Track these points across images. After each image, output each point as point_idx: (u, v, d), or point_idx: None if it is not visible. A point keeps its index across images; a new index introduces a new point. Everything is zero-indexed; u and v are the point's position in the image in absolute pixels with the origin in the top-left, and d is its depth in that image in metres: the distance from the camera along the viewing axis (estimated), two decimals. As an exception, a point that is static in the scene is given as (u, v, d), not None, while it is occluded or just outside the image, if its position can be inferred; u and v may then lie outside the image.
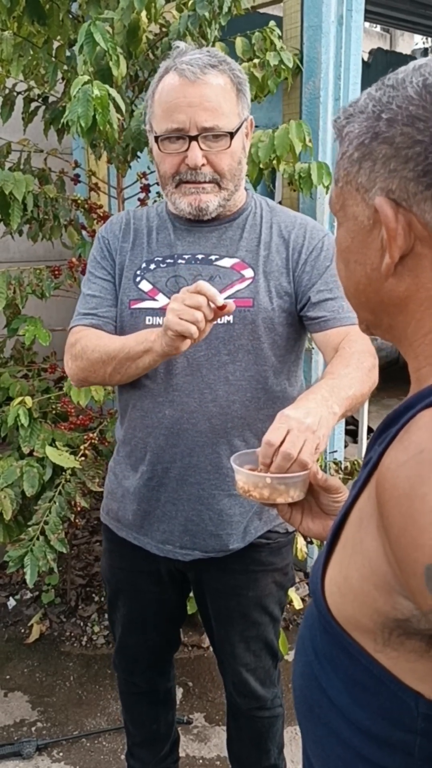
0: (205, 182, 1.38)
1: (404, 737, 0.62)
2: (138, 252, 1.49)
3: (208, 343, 1.40)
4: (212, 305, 1.21)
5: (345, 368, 1.26)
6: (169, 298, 1.39)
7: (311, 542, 2.58)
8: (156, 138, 1.37)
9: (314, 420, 1.07)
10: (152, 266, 1.46)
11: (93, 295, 1.50)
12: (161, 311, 1.41)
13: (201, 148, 1.34)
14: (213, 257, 1.43)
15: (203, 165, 1.36)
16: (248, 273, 1.43)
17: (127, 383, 1.49)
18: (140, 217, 1.54)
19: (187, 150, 1.35)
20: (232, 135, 1.36)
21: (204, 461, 1.44)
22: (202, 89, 1.32)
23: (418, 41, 8.44)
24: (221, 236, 1.46)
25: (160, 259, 1.46)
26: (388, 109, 0.63)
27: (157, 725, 1.84)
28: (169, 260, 1.45)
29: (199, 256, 1.44)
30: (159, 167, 1.42)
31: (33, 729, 2.29)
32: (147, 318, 1.43)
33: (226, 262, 1.44)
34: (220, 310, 1.23)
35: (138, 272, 1.47)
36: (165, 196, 1.46)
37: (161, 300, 1.43)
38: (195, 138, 1.33)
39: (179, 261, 1.45)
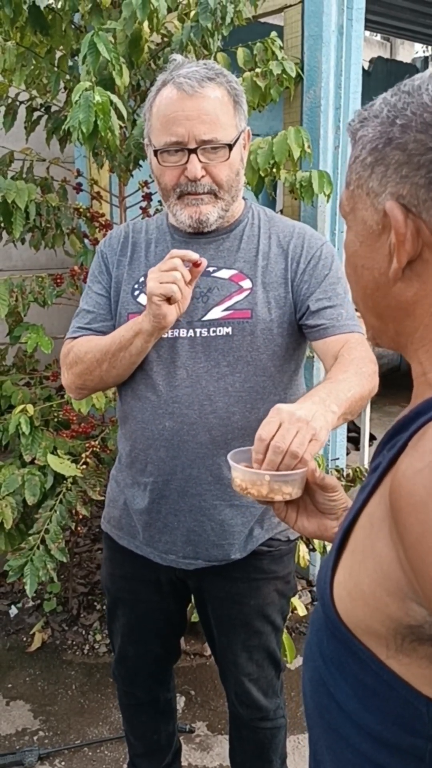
0: (203, 193, 1.39)
1: (415, 743, 0.62)
2: (136, 266, 1.50)
3: (207, 354, 1.41)
4: (188, 265, 1.30)
5: (344, 373, 1.26)
6: None
7: (314, 550, 2.57)
8: (155, 151, 1.38)
9: (308, 413, 1.05)
10: None
11: (88, 311, 1.53)
12: None
13: (200, 161, 1.35)
14: (211, 269, 1.44)
15: (203, 176, 1.37)
16: (246, 284, 1.43)
17: (128, 394, 1.50)
18: (140, 230, 1.55)
19: (186, 162, 1.35)
20: (230, 147, 1.36)
21: (205, 472, 1.44)
22: (199, 102, 1.32)
23: (419, 50, 8.46)
24: (219, 247, 1.46)
25: None
26: (403, 115, 0.63)
27: (158, 736, 1.83)
28: None
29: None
30: (159, 180, 1.43)
31: (35, 738, 2.28)
32: None
33: (224, 273, 1.44)
34: (196, 267, 1.31)
35: (136, 286, 1.48)
36: (167, 208, 1.47)
37: None
38: (194, 151, 1.34)
39: None
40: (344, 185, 0.73)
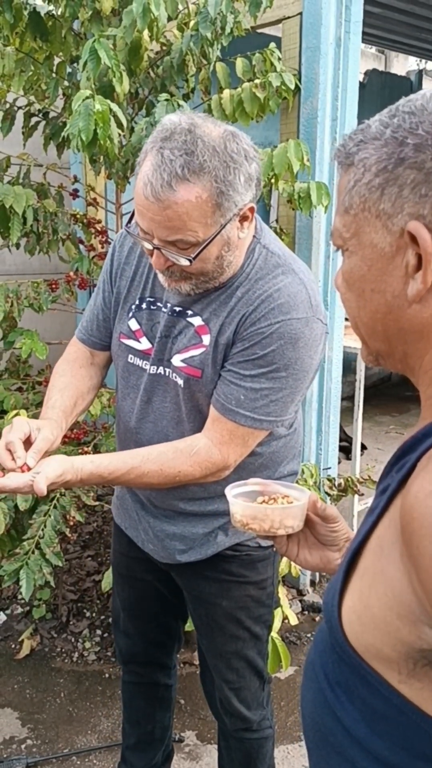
0: (177, 279, 1.31)
1: (426, 767, 0.61)
2: (137, 285, 1.47)
3: (169, 396, 1.43)
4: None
5: (147, 458, 1.35)
6: (150, 342, 1.44)
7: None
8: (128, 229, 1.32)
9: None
10: (143, 305, 1.46)
11: (92, 311, 1.57)
12: (142, 354, 1.46)
13: (164, 255, 1.26)
14: (189, 312, 1.39)
15: (169, 266, 1.28)
16: (206, 340, 1.37)
17: (117, 400, 1.57)
18: None
19: (153, 251, 1.27)
20: (190, 261, 1.24)
21: (168, 492, 1.47)
22: (163, 210, 1.19)
23: (413, 63, 8.55)
24: (209, 297, 1.38)
25: (151, 300, 1.45)
26: (415, 135, 0.62)
27: (152, 726, 1.86)
28: (158, 303, 1.43)
29: (177, 309, 1.40)
30: None
31: (23, 746, 2.26)
32: (129, 356, 1.49)
33: (196, 321, 1.38)
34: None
35: (132, 307, 1.47)
36: None
37: (143, 343, 1.45)
38: (158, 248, 1.25)
39: (163, 309, 1.42)
40: (337, 212, 0.71)
